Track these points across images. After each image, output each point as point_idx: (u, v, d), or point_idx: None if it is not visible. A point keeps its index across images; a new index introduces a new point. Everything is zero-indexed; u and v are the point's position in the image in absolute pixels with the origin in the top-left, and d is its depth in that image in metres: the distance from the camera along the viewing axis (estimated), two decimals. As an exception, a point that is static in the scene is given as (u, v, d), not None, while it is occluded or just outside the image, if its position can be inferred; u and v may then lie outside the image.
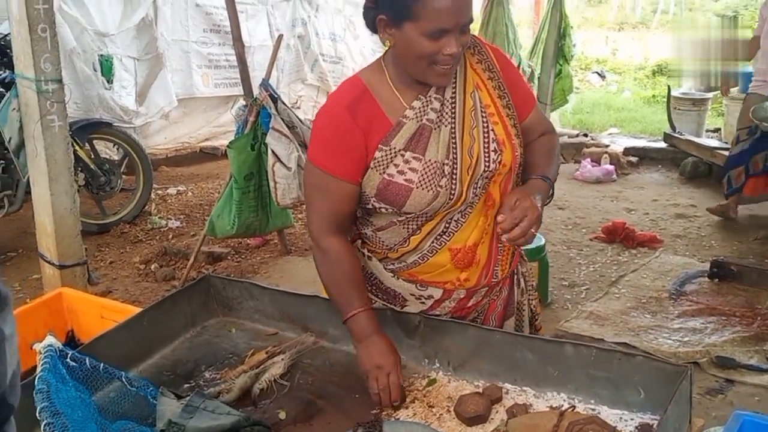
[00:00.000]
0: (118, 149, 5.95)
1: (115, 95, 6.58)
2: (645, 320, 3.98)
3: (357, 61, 9.35)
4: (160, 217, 5.78)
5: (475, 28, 13.77)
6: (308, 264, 4.89)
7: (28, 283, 4.49)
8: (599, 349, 1.59)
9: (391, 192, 1.68)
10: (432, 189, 1.66)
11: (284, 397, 1.70)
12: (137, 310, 2.12)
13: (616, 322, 4.03)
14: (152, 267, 4.74)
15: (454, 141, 1.69)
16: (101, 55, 6.45)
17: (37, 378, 1.46)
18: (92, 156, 5.41)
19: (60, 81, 3.24)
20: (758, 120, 5.36)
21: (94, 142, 5.54)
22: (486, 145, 1.71)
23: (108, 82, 6.52)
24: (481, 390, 1.64)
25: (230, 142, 4.46)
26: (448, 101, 1.71)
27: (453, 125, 1.70)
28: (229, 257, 4.97)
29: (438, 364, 1.76)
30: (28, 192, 3.99)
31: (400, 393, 1.64)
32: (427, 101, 1.69)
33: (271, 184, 4.30)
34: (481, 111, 1.73)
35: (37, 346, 1.58)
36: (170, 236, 5.45)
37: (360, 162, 1.70)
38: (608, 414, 1.51)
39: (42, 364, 1.52)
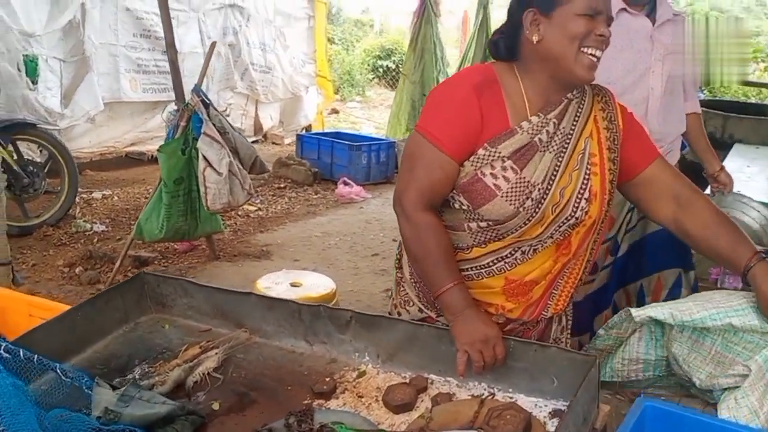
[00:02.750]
0: (41, 151, 5.83)
1: (40, 96, 6.44)
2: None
3: (287, 71, 9.41)
4: (84, 221, 5.69)
5: (404, 45, 13.90)
6: (237, 269, 4.92)
7: (-52, 284, 4.37)
8: (516, 341, 1.70)
9: (475, 189, 1.71)
10: (514, 204, 1.70)
11: (218, 390, 1.74)
12: (66, 307, 2.12)
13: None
14: (77, 270, 4.67)
15: (555, 171, 1.73)
16: (26, 56, 6.31)
17: (-30, 368, 1.48)
18: (15, 157, 5.29)
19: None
20: None
21: (18, 143, 5.42)
22: (580, 193, 1.75)
23: (32, 82, 6.38)
24: (408, 380, 1.73)
25: (161, 146, 4.46)
26: (561, 131, 1.74)
27: (561, 157, 1.74)
28: (156, 262, 4.94)
29: (368, 357, 1.83)
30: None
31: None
32: (544, 121, 1.73)
33: (202, 189, 4.32)
34: (588, 159, 1.77)
35: (-32, 338, 1.59)
36: (95, 240, 5.37)
37: (468, 145, 1.72)
38: (525, 401, 1.62)
39: (-25, 355, 1.53)
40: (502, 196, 1.69)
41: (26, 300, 2.43)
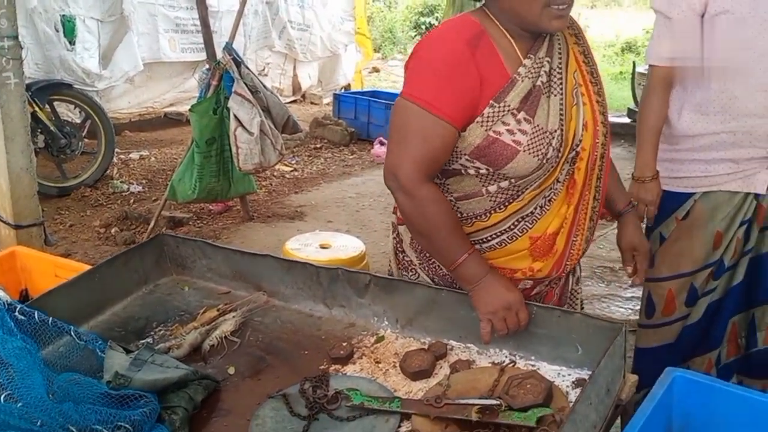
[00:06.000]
0: (79, 112, 5.87)
1: (77, 57, 6.47)
2: (599, 289, 4.07)
3: (325, 28, 9.29)
4: (121, 182, 5.73)
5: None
6: (270, 231, 4.91)
7: (-15, 244, 4.44)
8: (539, 307, 1.63)
9: (494, 151, 1.59)
10: (537, 156, 1.59)
11: (234, 353, 1.72)
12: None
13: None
14: (112, 231, 4.71)
15: (562, 114, 1.63)
16: (63, 16, 6.32)
17: (-18, 329, 1.46)
18: (52, 118, 5.32)
19: (16, 38, 3.17)
20: None
21: (55, 104, 5.44)
22: (582, 126, 1.68)
23: (70, 43, 6.40)
24: (426, 346, 1.68)
25: (192, 106, 4.44)
26: (555, 70, 1.64)
27: (563, 98, 1.64)
28: (190, 222, 4.95)
29: (386, 322, 1.78)
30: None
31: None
32: (537, 62, 1.62)
33: (233, 149, 4.29)
34: (578, 90, 1.69)
35: (-15, 300, 1.58)
36: (132, 201, 5.41)
37: (468, 107, 1.57)
38: (547, 369, 1.56)
39: (-11, 317, 1.52)
40: (524, 151, 1.59)
41: (52, 261, 2.44)
